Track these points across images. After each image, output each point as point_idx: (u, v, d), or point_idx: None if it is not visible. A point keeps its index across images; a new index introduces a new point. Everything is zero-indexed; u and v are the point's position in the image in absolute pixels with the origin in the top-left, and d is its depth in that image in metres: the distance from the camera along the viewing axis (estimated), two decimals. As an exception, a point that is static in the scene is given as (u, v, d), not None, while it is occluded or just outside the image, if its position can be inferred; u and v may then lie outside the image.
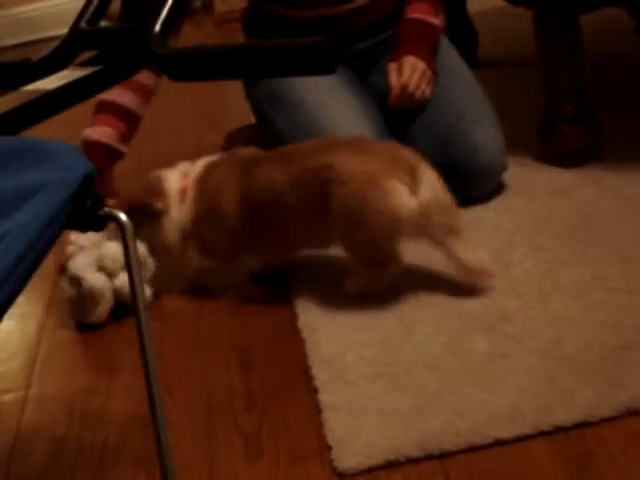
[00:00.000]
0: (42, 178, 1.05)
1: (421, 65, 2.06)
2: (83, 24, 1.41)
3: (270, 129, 2.15)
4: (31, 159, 1.10)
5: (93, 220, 1.08)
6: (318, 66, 1.32)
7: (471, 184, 2.06)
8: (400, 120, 2.11)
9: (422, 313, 1.73)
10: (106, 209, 1.08)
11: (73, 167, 1.07)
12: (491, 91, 2.17)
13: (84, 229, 1.08)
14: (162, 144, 2.90)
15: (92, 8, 1.43)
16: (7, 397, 1.75)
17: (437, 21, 2.16)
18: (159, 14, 1.39)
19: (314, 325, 1.75)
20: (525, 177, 2.16)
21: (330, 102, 2.03)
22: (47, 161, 1.09)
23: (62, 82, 1.31)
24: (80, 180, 1.04)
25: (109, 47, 1.40)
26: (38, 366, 1.83)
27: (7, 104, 1.28)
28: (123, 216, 1.10)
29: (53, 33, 4.06)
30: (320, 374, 1.60)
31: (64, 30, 1.44)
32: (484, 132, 2.05)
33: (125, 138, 2.10)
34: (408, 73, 2.05)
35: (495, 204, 2.08)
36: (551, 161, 2.19)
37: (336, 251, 1.99)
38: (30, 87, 1.32)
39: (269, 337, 1.77)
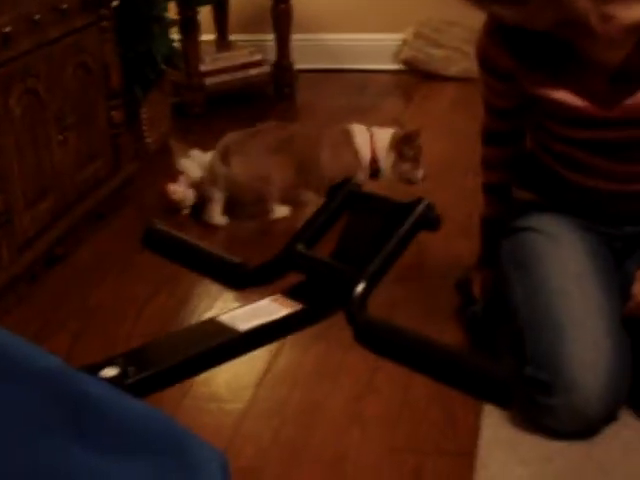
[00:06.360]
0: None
1: None
2: (299, 245, 1.41)
3: (507, 291, 2.02)
4: (151, 444, 0.90)
5: None
6: (494, 396, 1.27)
7: None
8: None
9: (612, 448, 1.71)
10: None
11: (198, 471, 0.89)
12: None
13: None
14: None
15: (311, 231, 1.41)
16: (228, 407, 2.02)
17: None
18: (368, 266, 1.35)
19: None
20: None
21: (572, 290, 1.88)
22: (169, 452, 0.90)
23: (254, 324, 1.33)
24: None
25: (314, 278, 1.40)
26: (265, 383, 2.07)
27: (200, 337, 1.33)
28: None
29: None
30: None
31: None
32: None
33: None
34: None
35: None
36: None
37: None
38: (225, 317, 1.35)
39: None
